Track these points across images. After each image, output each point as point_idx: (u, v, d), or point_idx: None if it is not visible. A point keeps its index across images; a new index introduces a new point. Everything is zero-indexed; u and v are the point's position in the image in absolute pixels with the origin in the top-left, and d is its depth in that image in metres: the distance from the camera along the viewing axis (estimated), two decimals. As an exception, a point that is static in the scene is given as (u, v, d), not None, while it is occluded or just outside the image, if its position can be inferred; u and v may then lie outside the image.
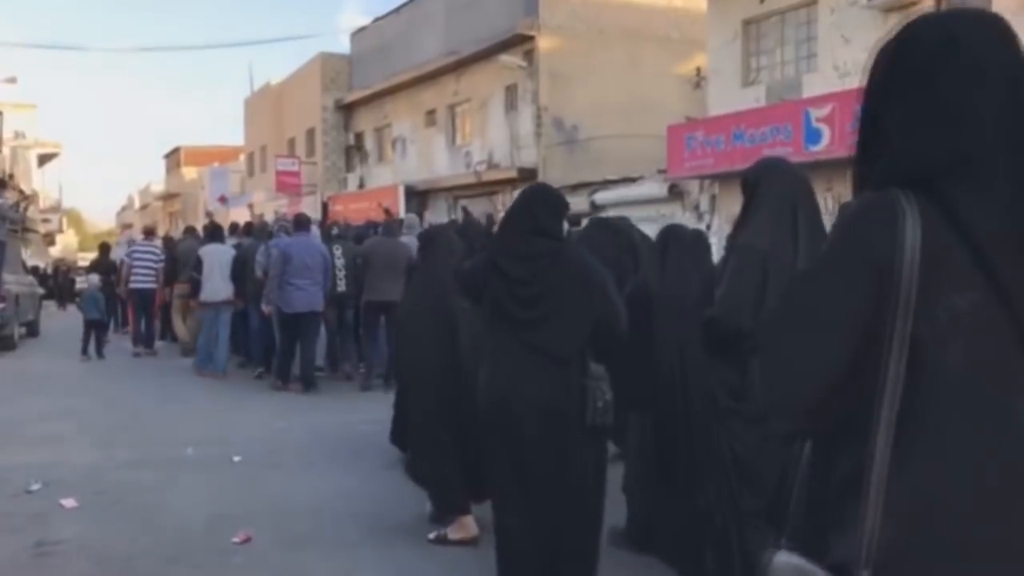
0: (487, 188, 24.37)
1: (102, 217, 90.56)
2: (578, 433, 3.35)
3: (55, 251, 44.95)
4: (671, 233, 4.56)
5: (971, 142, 1.37)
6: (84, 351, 13.06)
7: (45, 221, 39.89)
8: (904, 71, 1.45)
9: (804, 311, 1.45)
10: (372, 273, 9.56)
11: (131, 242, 15.44)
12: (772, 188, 3.27)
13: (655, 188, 19.70)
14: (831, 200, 16.48)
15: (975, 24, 1.44)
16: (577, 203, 22.26)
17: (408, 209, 26.30)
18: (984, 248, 1.33)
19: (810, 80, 16.75)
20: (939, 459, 1.34)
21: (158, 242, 14.51)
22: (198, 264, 11.23)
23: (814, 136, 15.78)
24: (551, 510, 3.35)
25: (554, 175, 22.85)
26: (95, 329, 13.25)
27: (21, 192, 35.19)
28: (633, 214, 19.22)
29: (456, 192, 26.06)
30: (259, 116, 38.81)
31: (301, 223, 10.42)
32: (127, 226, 54.26)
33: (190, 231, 14.47)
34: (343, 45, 33.45)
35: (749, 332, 3.07)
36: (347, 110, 32.83)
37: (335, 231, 12.09)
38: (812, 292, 1.45)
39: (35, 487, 5.63)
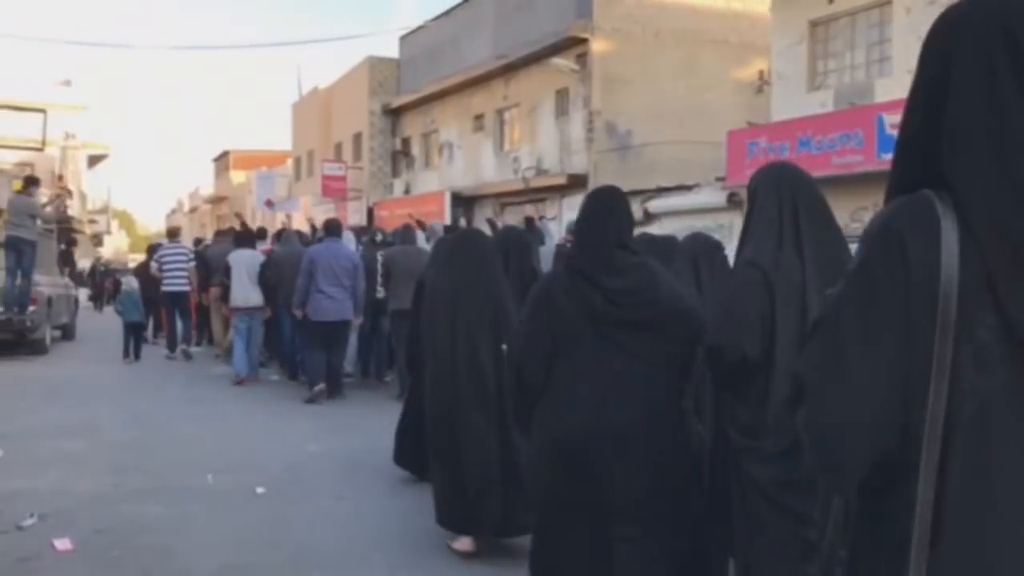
0: (535, 194, 23.80)
1: (152, 219, 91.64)
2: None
3: (105, 253, 45.18)
4: (699, 246, 4.22)
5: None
6: (126, 354, 13.19)
7: (92, 222, 39.94)
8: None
9: (845, 353, 1.36)
10: (395, 281, 9.21)
11: (156, 247, 15.27)
12: (768, 197, 2.97)
13: (713, 196, 18.84)
14: (904, 212, 15.50)
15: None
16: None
17: (454, 216, 25.89)
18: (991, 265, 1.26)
19: (883, 84, 15.81)
20: (991, 516, 1.25)
21: (186, 243, 14.48)
22: (227, 270, 11.14)
23: (888, 143, 14.81)
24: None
25: (606, 181, 22.02)
26: (134, 331, 13.32)
27: (66, 189, 35.22)
28: (689, 224, 18.57)
29: (503, 199, 25.55)
30: (307, 120, 38.76)
31: (332, 228, 10.12)
32: (177, 229, 54.38)
33: (221, 234, 14.33)
34: (392, 49, 33.08)
35: (756, 362, 2.81)
36: (394, 115, 32.52)
37: (379, 237, 11.83)
38: (850, 327, 1.36)
39: (29, 522, 4.97)
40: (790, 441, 2.71)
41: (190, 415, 8.56)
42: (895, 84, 15.26)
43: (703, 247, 4.25)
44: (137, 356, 13.27)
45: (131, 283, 13.70)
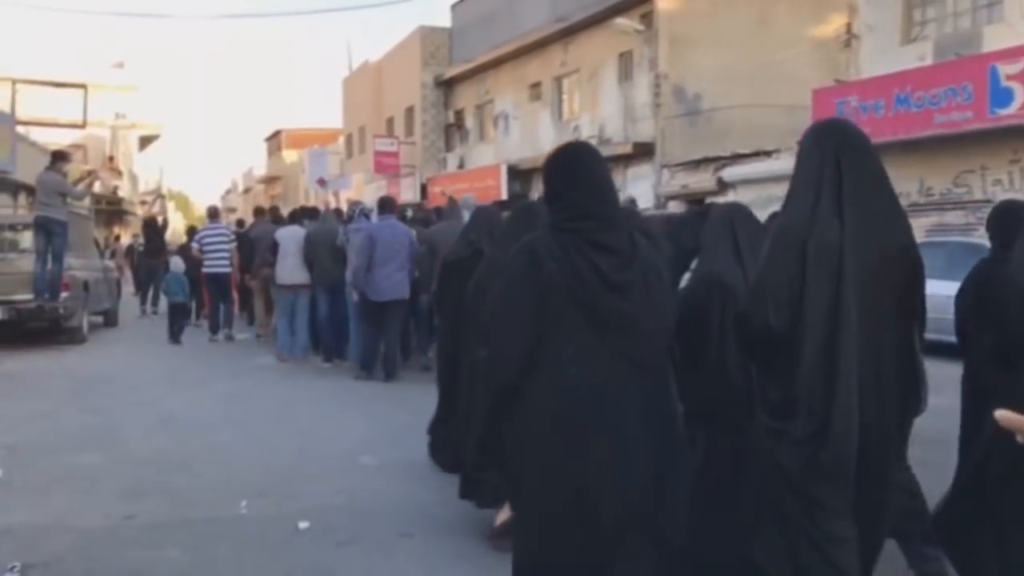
0: None
1: (208, 201, 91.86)
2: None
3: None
4: (736, 215, 3.75)
5: None
6: (171, 334, 12.93)
7: (144, 203, 39.56)
8: None
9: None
10: (438, 260, 8.11)
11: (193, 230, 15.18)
12: (811, 154, 2.79)
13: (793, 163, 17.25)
14: (1017, 174, 13.93)
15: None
16: (702, 181, 20.31)
17: (511, 189, 24.78)
18: None
19: (993, 32, 14.19)
20: None
21: (225, 223, 14.37)
22: (274, 246, 10.93)
23: (1002, 97, 13.25)
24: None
25: (674, 150, 21.03)
26: (178, 312, 13.08)
27: (117, 171, 34.77)
28: (768, 193, 17.11)
29: None
30: (358, 96, 38.21)
31: (386, 205, 9.89)
32: (231, 210, 54.42)
33: (260, 213, 13.97)
34: (444, 18, 32.19)
35: (782, 332, 2.66)
36: (447, 86, 31.71)
37: (409, 214, 11.59)
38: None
39: (7, 576, 3.88)
40: (819, 423, 2.61)
41: (227, 418, 7.47)
42: (1008, 31, 13.63)
43: (738, 213, 3.80)
44: (176, 339, 12.91)
45: (177, 264, 13.52)
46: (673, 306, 3.00)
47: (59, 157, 11.65)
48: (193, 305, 14.89)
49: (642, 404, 2.70)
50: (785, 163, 17.32)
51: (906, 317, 2.79)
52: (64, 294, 11.43)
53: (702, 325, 3.39)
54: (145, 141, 43.94)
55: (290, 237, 10.88)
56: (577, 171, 2.85)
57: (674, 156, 20.95)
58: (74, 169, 14.30)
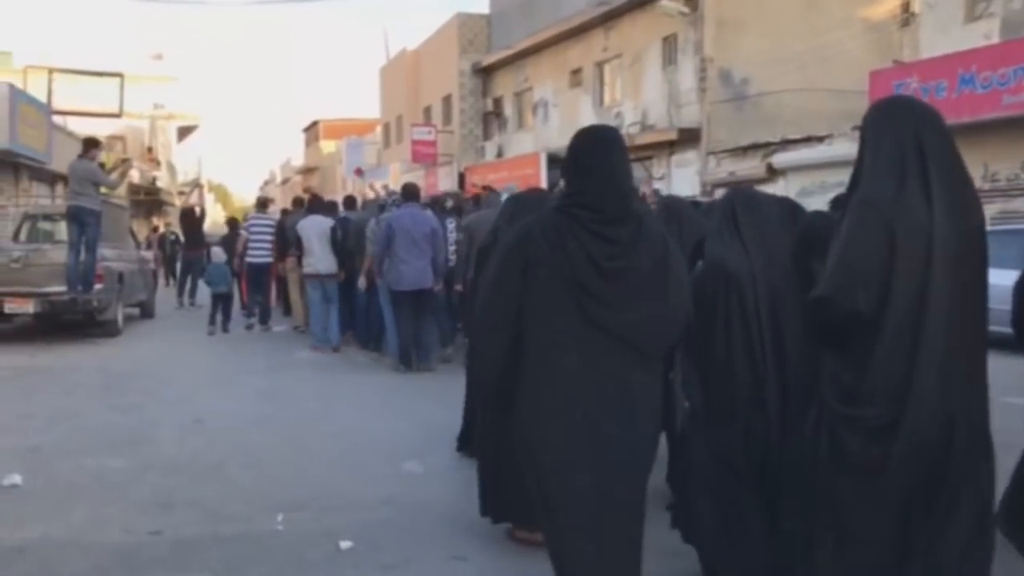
0: (640, 152, 21.99)
1: (247, 192, 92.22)
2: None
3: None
4: (739, 199, 3.59)
5: None
6: (212, 321, 12.97)
7: (182, 194, 39.53)
8: None
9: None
10: (476, 248, 7.77)
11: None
12: (888, 132, 2.65)
13: (849, 148, 16.50)
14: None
15: None
16: (750, 167, 19.63)
17: (550, 178, 24.27)
18: None
19: (1067, 6, 13.40)
20: None
21: (273, 215, 14.30)
22: (297, 238, 11.05)
23: (1080, 75, 12.47)
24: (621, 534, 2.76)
25: (720, 136, 20.42)
26: (222, 302, 13.03)
27: (155, 161, 34.73)
28: (821, 180, 16.41)
29: None
30: (395, 85, 37.98)
31: (409, 193, 9.66)
32: (270, 200, 54.34)
33: (296, 204, 13.87)
34: (482, 4, 31.75)
35: (869, 317, 2.53)
36: (485, 74, 31.27)
37: (448, 203, 11.37)
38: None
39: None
40: (896, 412, 2.51)
41: (264, 417, 7.04)
42: (1084, 5, 12.87)
43: (740, 197, 3.63)
44: (226, 329, 12.94)
45: (219, 254, 13.49)
46: (685, 299, 2.90)
47: (91, 145, 11.31)
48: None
49: (638, 395, 2.72)
50: (839, 149, 16.68)
51: (983, 304, 2.70)
52: (98, 286, 11.10)
53: (708, 315, 3.26)
54: (183, 132, 43.96)
55: (312, 227, 10.88)
56: (581, 157, 2.82)
57: (720, 142, 20.34)
58: (108, 158, 14.02)
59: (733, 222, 3.43)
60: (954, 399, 2.56)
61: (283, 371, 9.51)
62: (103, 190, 11.32)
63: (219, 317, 12.97)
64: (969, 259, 2.61)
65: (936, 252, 2.52)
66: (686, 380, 3.47)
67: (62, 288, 10.90)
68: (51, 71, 20.57)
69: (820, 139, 17.75)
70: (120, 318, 12.22)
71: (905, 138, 2.61)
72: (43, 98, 19.93)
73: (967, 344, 2.61)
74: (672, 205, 5.11)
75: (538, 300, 2.71)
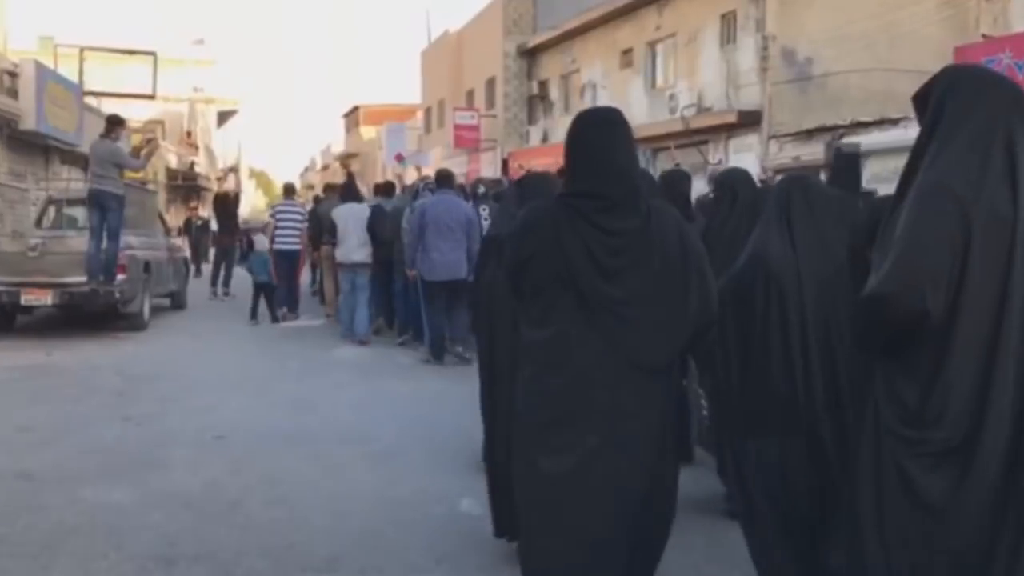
0: (696, 136, 21.05)
1: (288, 178, 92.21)
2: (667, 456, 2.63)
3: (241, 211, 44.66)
4: (796, 187, 3.15)
5: None
6: (253, 315, 12.53)
7: (220, 179, 39.02)
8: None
9: None
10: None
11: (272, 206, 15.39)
12: (972, 108, 2.25)
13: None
14: None
15: None
16: (816, 152, 18.48)
17: None
18: None
19: None
20: None
21: (301, 201, 14.06)
22: (332, 226, 10.81)
23: None
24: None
25: (783, 118, 19.28)
26: (264, 292, 12.58)
27: (193, 146, 34.16)
28: (895, 166, 15.20)
29: (656, 143, 22.92)
30: (437, 68, 37.25)
31: (443, 180, 9.43)
32: (309, 187, 54.07)
33: (330, 189, 13.58)
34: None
35: (938, 320, 2.16)
36: (530, 56, 30.37)
37: (481, 190, 10.86)
38: None
39: None
40: (967, 433, 2.16)
41: (295, 433, 6.12)
42: None
43: (797, 184, 3.23)
44: (275, 319, 12.52)
45: (262, 242, 12.92)
46: (709, 302, 2.66)
47: (115, 123, 10.47)
48: None
49: (636, 407, 2.51)
50: (915, 132, 15.51)
51: None
52: (121, 276, 10.28)
53: (747, 314, 2.96)
54: (223, 117, 43.49)
55: (348, 215, 10.62)
56: (579, 140, 2.65)
57: (783, 125, 19.23)
58: (139, 140, 13.24)
59: (786, 213, 3.06)
60: None
61: (318, 374, 8.61)
62: (130, 173, 10.45)
63: (262, 309, 12.59)
64: None
65: (1018, 252, 2.16)
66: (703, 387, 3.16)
67: (83, 279, 10.09)
68: (82, 50, 19.83)
69: (894, 122, 16.55)
70: (147, 310, 11.41)
71: (993, 116, 2.24)
72: (75, 79, 19.23)
73: None
74: (726, 181, 4.74)
75: (539, 300, 2.58)
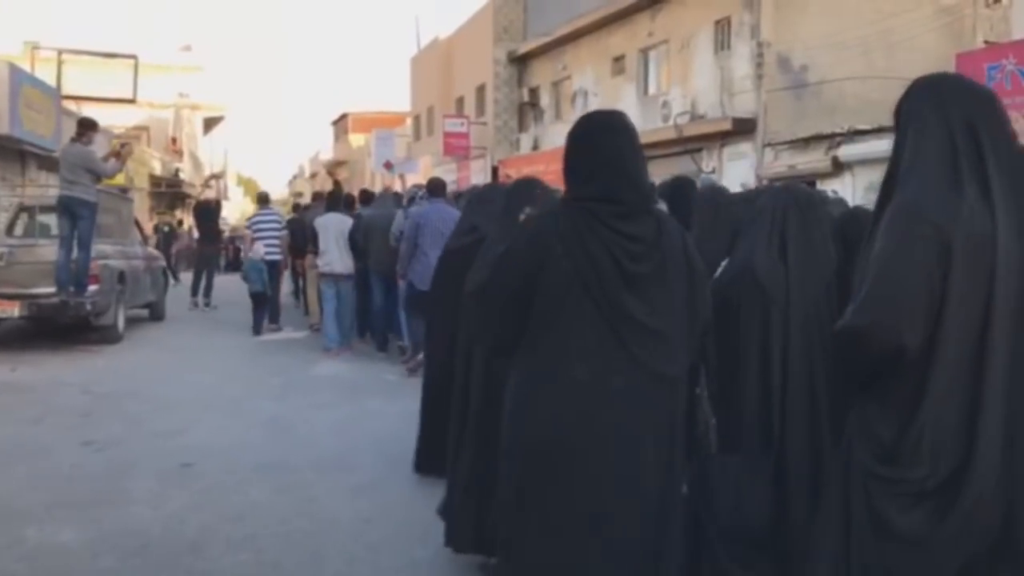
0: (689, 144, 20.76)
1: (276, 186, 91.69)
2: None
3: (230, 219, 44.30)
4: (793, 199, 3.08)
5: None
6: (256, 330, 12.28)
7: (206, 187, 38.44)
8: None
9: None
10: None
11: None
12: (935, 118, 2.15)
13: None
14: None
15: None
16: (812, 160, 18.12)
17: None
18: None
19: None
20: None
21: (278, 209, 13.88)
22: (315, 235, 10.63)
23: None
24: None
25: (778, 126, 19.01)
26: (255, 301, 12.26)
27: (177, 152, 33.59)
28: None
29: (649, 150, 22.25)
30: (426, 75, 37.00)
31: (436, 188, 9.26)
32: (298, 194, 53.65)
33: (317, 198, 13.43)
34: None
35: (915, 354, 2.04)
36: (521, 63, 30.14)
37: (420, 195, 10.43)
38: None
39: None
40: (951, 472, 2.03)
41: (269, 461, 5.65)
42: None
43: (792, 199, 3.06)
44: (256, 330, 12.22)
45: (257, 250, 12.43)
46: (707, 311, 2.64)
47: (86, 126, 9.97)
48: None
49: (653, 418, 2.42)
50: (914, 140, 15.20)
51: None
52: (93, 287, 9.79)
53: (729, 327, 2.91)
54: (209, 123, 42.93)
55: (330, 225, 10.52)
56: (599, 145, 2.56)
57: (778, 133, 18.93)
58: (114, 144, 12.70)
59: (780, 226, 2.97)
60: (1018, 461, 2.07)
61: (299, 392, 8.14)
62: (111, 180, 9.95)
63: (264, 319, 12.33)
64: None
65: (1000, 271, 2.05)
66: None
67: (52, 289, 9.59)
68: (60, 52, 19.28)
69: (891, 130, 16.22)
70: (121, 322, 10.90)
71: (956, 126, 2.14)
72: (53, 82, 18.67)
73: None
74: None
75: (551, 307, 2.44)
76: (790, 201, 3.04)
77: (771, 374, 2.81)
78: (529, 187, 3.89)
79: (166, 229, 20.51)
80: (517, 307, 2.48)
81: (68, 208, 9.49)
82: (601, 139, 2.57)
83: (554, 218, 2.54)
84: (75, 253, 9.57)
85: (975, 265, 2.05)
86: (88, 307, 9.83)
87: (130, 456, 5.71)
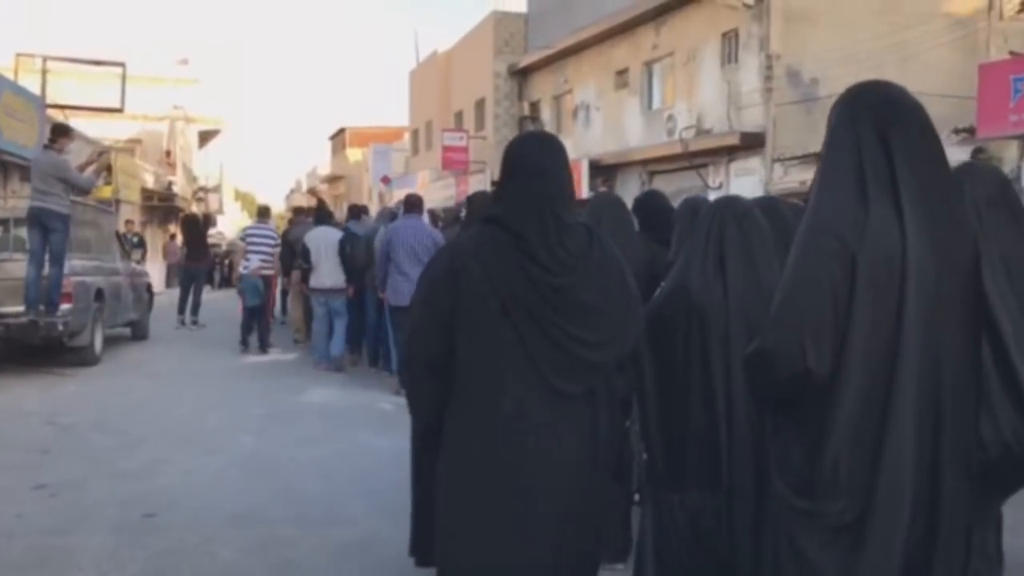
0: (695, 159, 20.32)
1: (273, 200, 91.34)
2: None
3: (227, 233, 43.89)
4: (729, 214, 2.91)
5: None
6: (244, 341, 12.07)
7: (200, 200, 37.81)
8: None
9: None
10: None
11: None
12: (844, 130, 2.10)
13: (950, 154, 14.37)
14: None
15: None
16: (824, 177, 17.74)
17: (592, 187, 22.58)
18: None
19: None
20: None
21: (273, 224, 13.43)
22: (305, 251, 10.42)
23: None
24: None
25: (787, 140, 18.54)
26: (247, 314, 12.04)
27: (170, 165, 32.97)
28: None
29: (652, 165, 22.37)
30: (425, 89, 36.67)
31: (411, 205, 9.36)
32: (297, 210, 53.18)
33: (300, 213, 13.26)
34: (519, 2, 29.94)
35: (823, 377, 1.98)
36: (522, 76, 29.78)
37: (463, 215, 10.14)
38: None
39: None
40: (862, 507, 1.96)
41: (241, 511, 4.96)
42: None
43: (732, 210, 2.93)
44: (243, 345, 12.01)
45: (252, 263, 12.18)
46: (634, 328, 2.55)
47: (60, 133, 9.32)
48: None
49: (577, 443, 2.41)
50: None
51: (975, 363, 2.10)
52: (66, 305, 9.12)
53: (667, 353, 2.79)
54: (205, 137, 42.35)
55: (320, 239, 10.40)
56: (518, 164, 2.54)
57: (787, 148, 18.43)
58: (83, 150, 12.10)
59: (717, 244, 2.86)
60: (927, 488, 1.96)
61: (283, 424, 7.45)
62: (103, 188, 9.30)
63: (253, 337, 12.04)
64: (955, 301, 2.01)
65: (909, 290, 1.95)
66: (643, 431, 2.94)
67: (21, 308, 8.91)
68: (45, 59, 18.66)
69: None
70: (98, 344, 10.23)
71: (862, 137, 2.05)
72: (38, 91, 18.04)
73: (958, 417, 2.00)
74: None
75: (471, 333, 2.41)
76: (726, 218, 2.89)
77: (715, 400, 2.71)
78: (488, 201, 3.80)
79: (134, 239, 19.30)
80: (442, 329, 2.44)
81: (39, 220, 8.83)
82: (518, 157, 2.57)
83: (472, 241, 2.52)
84: (46, 269, 8.89)
85: (882, 286, 1.98)
86: (60, 327, 9.15)
87: (85, 503, 5.03)
